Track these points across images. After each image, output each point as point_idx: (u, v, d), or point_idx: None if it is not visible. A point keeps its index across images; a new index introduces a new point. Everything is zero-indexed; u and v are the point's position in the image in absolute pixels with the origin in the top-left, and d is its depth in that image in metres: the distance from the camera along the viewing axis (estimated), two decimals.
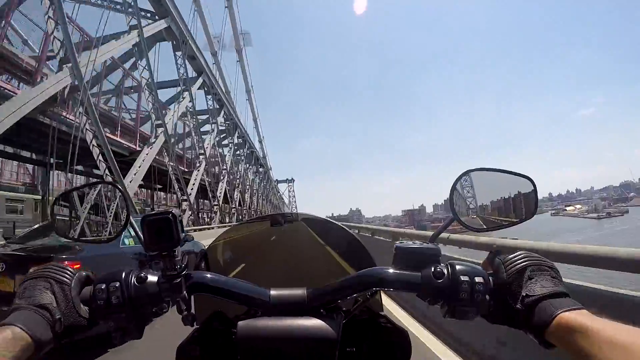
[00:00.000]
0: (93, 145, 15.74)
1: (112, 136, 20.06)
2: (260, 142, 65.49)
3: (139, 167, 19.44)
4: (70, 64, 14.11)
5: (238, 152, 46.48)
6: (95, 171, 21.06)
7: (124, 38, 19.02)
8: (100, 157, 16.09)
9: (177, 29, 25.12)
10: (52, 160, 16.97)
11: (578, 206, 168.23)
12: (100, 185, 1.13)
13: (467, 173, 0.77)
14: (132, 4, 19.80)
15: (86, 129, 15.37)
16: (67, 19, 14.60)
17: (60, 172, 20.20)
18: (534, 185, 0.76)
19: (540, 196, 0.78)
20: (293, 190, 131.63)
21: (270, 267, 1.02)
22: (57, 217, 0.89)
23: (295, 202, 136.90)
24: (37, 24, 18.36)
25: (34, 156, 23.70)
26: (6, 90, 13.81)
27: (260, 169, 64.42)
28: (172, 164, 24.16)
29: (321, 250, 1.04)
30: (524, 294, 0.59)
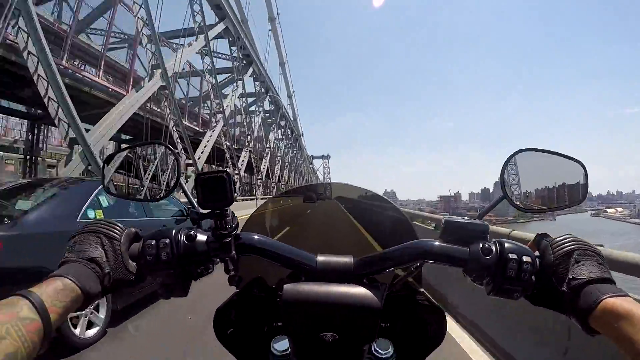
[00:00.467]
0: (173, 130, 19.65)
1: (185, 122, 23.25)
2: (294, 117, 63.17)
3: (205, 147, 23.71)
4: (160, 70, 18.01)
5: (272, 123, 46.45)
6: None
7: (195, 45, 22.60)
8: (179, 140, 20.11)
9: (233, 28, 28.38)
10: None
11: (620, 209, 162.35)
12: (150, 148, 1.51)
13: (518, 152, 0.76)
14: (200, 14, 22.91)
15: (170, 117, 19.23)
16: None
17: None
18: (585, 170, 0.75)
19: None
20: (328, 167, 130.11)
21: (310, 237, 0.98)
22: (107, 176, 0.88)
23: (330, 178, 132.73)
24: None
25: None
26: (116, 92, 17.66)
27: (291, 136, 62.27)
28: (227, 143, 28.07)
29: (357, 228, 1.04)
30: (570, 277, 0.58)
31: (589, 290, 0.56)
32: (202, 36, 23.31)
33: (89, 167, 13.03)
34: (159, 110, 19.66)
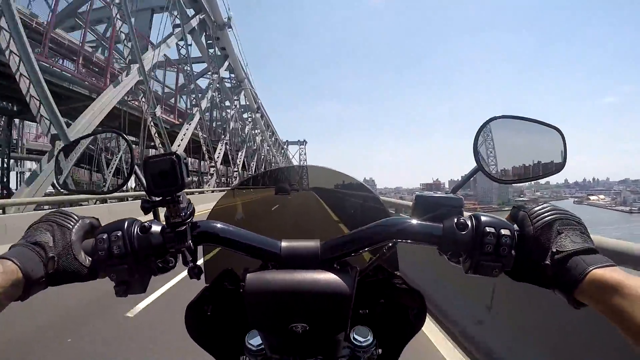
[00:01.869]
0: (151, 125, 20.21)
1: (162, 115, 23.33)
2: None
3: (181, 140, 24.21)
4: (137, 65, 18.32)
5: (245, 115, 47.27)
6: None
7: (172, 38, 23.12)
8: (156, 135, 20.73)
9: (209, 21, 29.24)
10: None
11: (601, 196, 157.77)
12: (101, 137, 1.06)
13: (492, 120, 0.72)
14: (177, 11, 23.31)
15: (148, 112, 19.60)
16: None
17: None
18: (563, 137, 0.72)
19: (555, 180, 0.81)
20: (305, 154, 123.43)
21: (277, 226, 0.93)
22: (65, 171, 0.83)
23: (307, 164, 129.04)
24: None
25: None
26: (95, 87, 17.89)
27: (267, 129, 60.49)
28: (204, 136, 28.75)
29: (329, 214, 1.00)
30: (554, 250, 0.54)
31: (574, 262, 0.52)
32: (178, 30, 23.66)
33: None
34: (136, 103, 19.98)
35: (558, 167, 0.73)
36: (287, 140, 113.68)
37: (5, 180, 22.39)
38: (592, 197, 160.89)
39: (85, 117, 15.01)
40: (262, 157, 55.39)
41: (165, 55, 24.67)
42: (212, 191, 24.08)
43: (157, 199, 0.61)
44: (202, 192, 23.26)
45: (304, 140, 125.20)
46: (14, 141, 25.49)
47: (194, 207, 0.64)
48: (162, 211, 0.63)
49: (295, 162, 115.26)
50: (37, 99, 12.25)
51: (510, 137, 0.76)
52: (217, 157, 31.80)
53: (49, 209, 11.60)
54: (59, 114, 12.73)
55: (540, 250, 0.56)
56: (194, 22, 27.34)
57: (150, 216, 0.66)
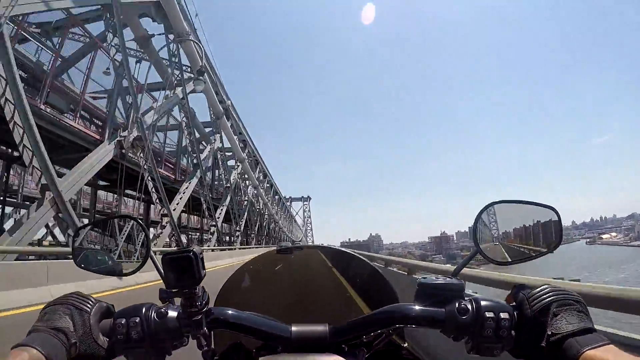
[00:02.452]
0: (148, 180, 19.62)
1: (161, 170, 23.45)
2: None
3: (180, 198, 23.50)
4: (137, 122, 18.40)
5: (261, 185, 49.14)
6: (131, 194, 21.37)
7: (172, 98, 23.32)
8: (153, 190, 19.97)
9: (212, 83, 30.17)
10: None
11: (613, 234, 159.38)
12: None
13: (490, 205, 0.76)
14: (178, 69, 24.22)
15: (145, 167, 19.29)
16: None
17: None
18: (559, 216, 0.75)
19: (562, 224, 0.76)
20: (309, 210, 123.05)
21: (289, 299, 0.99)
22: (76, 248, 0.89)
23: (311, 222, 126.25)
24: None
25: None
26: (93, 138, 17.94)
27: (271, 190, 63.26)
28: (205, 194, 28.05)
29: (338, 283, 1.01)
30: (549, 332, 0.57)
31: (569, 344, 0.55)
32: (179, 89, 24.16)
33: (60, 214, 12.90)
34: (135, 158, 19.76)
35: (555, 244, 0.77)
36: (290, 197, 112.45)
37: None
38: (604, 236, 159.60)
39: (79, 170, 14.68)
40: (266, 217, 55.63)
41: (166, 112, 25.28)
42: (212, 249, 23.84)
43: (175, 290, 0.65)
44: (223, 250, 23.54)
45: (308, 197, 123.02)
46: (15, 187, 25.18)
47: (208, 296, 0.69)
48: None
49: (299, 220, 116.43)
50: (29, 149, 11.97)
51: (508, 220, 0.80)
52: (219, 217, 31.34)
53: (33, 259, 11.09)
54: (50, 165, 12.43)
55: (538, 332, 0.60)
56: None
57: None
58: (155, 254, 0.77)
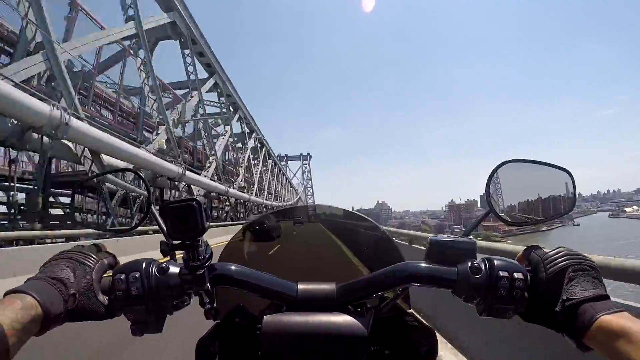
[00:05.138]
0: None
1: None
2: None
3: (198, 190, 24.66)
4: (165, 126, 21.09)
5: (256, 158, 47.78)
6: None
7: (191, 101, 26.39)
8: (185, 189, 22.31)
9: (221, 82, 33.32)
10: None
11: (635, 207, 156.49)
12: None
13: (503, 164, 0.74)
14: (193, 74, 27.45)
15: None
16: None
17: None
18: (572, 178, 0.74)
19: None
20: (309, 171, 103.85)
21: (295, 259, 0.96)
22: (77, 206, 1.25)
23: (311, 183, 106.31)
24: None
25: None
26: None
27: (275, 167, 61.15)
28: (220, 183, 29.17)
29: (342, 250, 1.00)
30: (565, 297, 0.56)
31: (583, 309, 0.54)
32: (195, 92, 27.31)
33: None
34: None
35: (569, 206, 0.75)
36: (286, 155, 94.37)
37: None
38: (627, 209, 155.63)
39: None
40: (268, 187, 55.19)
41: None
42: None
43: (176, 242, 0.63)
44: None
45: (308, 154, 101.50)
46: None
47: (212, 251, 0.66)
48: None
49: (297, 180, 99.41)
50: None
51: (520, 180, 0.77)
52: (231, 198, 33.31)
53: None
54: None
55: (551, 296, 0.58)
56: (210, 83, 31.27)
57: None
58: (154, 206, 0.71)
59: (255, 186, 44.18)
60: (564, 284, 0.58)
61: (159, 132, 21.14)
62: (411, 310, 0.80)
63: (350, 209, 1.03)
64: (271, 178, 59.17)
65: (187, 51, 26.55)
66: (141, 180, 0.87)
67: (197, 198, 0.63)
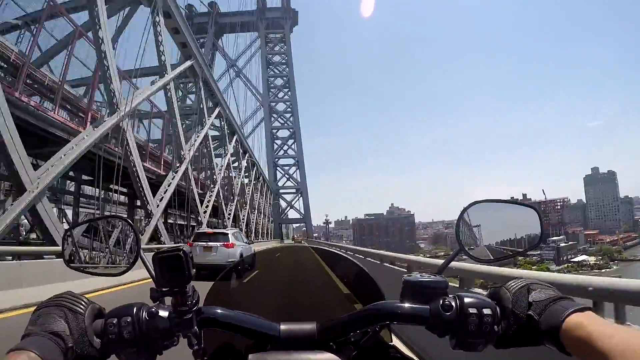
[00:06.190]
0: (134, 172, 19.04)
1: (144, 163, 21.87)
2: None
3: (165, 191, 22.97)
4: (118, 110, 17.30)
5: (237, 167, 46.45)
6: (114, 186, 20.32)
7: (157, 83, 22.69)
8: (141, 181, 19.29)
9: (198, 68, 29.13)
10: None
11: None
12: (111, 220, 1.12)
13: (473, 204, 0.77)
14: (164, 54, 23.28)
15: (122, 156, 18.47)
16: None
17: None
18: (539, 214, 0.77)
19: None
20: (303, 206, 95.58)
21: (280, 296, 1.02)
22: (67, 248, 0.87)
23: (310, 215, 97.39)
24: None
25: None
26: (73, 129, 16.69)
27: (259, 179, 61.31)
28: (193, 188, 27.31)
29: (328, 280, 1.04)
30: (531, 301, 0.61)
31: (553, 308, 0.58)
32: (167, 76, 23.17)
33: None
34: (117, 150, 18.76)
35: (535, 244, 0.80)
36: (279, 189, 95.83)
37: None
38: None
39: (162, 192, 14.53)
40: (254, 209, 54.20)
41: (151, 101, 24.41)
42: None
43: (165, 289, 0.67)
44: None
45: (298, 189, 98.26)
46: None
47: (199, 295, 0.70)
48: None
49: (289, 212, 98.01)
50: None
51: (490, 219, 0.81)
52: (204, 212, 30.30)
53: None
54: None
55: (519, 308, 0.63)
56: (185, 65, 27.17)
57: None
58: (143, 252, 0.79)
59: (233, 205, 41.23)
60: (527, 296, 0.63)
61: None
62: (393, 343, 0.85)
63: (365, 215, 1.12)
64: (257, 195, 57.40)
65: (158, 19, 22.22)
66: (129, 227, 0.92)
67: (184, 248, 0.66)
